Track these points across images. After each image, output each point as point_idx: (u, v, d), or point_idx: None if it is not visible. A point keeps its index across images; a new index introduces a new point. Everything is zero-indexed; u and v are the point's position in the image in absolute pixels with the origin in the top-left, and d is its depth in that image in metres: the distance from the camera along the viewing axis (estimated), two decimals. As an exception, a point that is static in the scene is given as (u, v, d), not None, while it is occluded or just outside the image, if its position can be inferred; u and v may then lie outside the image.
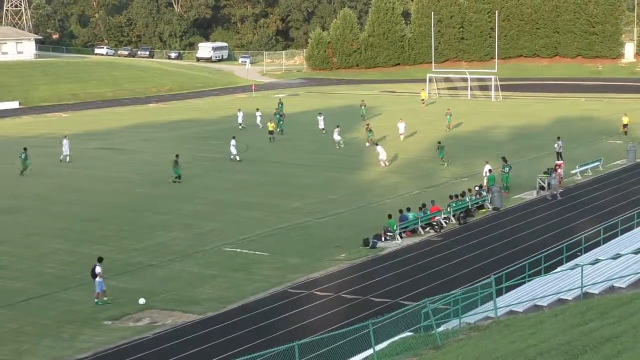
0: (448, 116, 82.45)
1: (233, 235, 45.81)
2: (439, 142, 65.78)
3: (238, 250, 43.07)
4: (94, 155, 73.14)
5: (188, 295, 36.28)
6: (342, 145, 72.04)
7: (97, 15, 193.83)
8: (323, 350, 26.17)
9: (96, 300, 34.83)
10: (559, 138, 63.90)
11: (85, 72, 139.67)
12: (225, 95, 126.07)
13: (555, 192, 52.66)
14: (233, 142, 67.16)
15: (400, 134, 75.42)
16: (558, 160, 60.69)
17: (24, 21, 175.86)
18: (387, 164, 63.69)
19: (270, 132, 77.54)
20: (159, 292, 36.28)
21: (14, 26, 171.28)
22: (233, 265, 40.49)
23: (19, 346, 30.68)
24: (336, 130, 73.44)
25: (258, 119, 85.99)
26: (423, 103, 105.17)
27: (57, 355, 29.75)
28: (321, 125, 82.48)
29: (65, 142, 69.59)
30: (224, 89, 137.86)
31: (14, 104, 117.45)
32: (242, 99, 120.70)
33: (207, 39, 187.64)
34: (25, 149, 65.08)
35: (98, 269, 35.11)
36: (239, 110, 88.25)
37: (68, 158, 68.97)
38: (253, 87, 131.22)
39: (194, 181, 60.09)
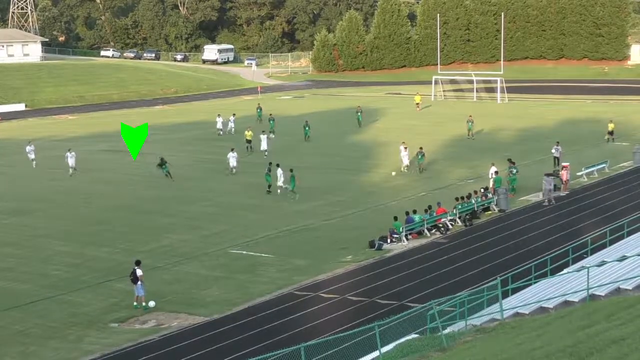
0: (470, 123, 78.64)
1: (239, 237, 45.82)
2: (420, 148, 64.21)
3: (244, 252, 43.09)
4: (99, 158, 73.22)
5: (194, 297, 36.30)
6: (233, 173, 62.92)
7: (103, 17, 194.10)
8: (329, 352, 26.17)
9: (135, 303, 34.70)
10: (557, 143, 63.50)
11: (92, 74, 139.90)
12: (231, 98, 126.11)
13: (551, 197, 52.33)
14: (233, 154, 63.19)
15: (404, 165, 62.85)
16: (555, 165, 60.35)
17: (30, 23, 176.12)
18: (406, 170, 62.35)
19: (248, 141, 72.31)
20: (165, 294, 36.29)
21: (20, 28, 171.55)
22: (239, 268, 40.50)
23: (25, 348, 30.71)
24: (231, 154, 63.40)
25: (231, 124, 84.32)
26: (418, 107, 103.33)
27: (63, 358, 29.79)
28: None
29: (29, 148, 69.16)
30: (230, 91, 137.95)
31: (20, 106, 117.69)
32: (248, 101, 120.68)
33: (213, 41, 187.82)
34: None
35: (139, 272, 34.97)
36: (218, 115, 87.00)
37: (34, 164, 68.43)
38: (259, 89, 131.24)
39: (200, 183, 60.14)
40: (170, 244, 44.71)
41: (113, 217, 50.60)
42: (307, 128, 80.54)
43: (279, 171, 55.38)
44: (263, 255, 42.47)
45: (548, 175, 54.76)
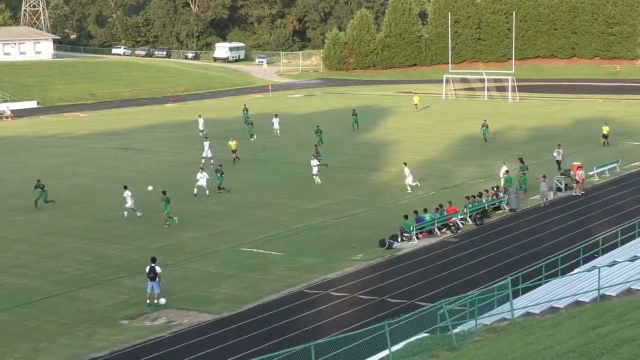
0: (484, 128, 75.68)
1: (249, 235, 45.85)
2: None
3: (254, 250, 43.11)
4: (110, 155, 73.36)
5: (204, 295, 36.33)
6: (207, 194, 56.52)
7: (114, 15, 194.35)
8: (339, 350, 26.13)
9: (148, 301, 34.72)
10: (559, 146, 62.89)
11: (103, 72, 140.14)
12: (242, 96, 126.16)
13: (545, 199, 52.09)
14: (202, 174, 56.34)
15: (408, 184, 56.52)
16: (559, 169, 59.97)
17: (42, 21, 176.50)
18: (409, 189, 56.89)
19: (233, 152, 67.65)
20: (176, 291, 36.32)
21: (32, 26, 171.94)
22: (249, 265, 40.52)
23: (37, 344, 30.81)
24: (200, 174, 56.83)
25: (200, 125, 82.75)
26: (416, 108, 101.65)
27: (73, 354, 29.85)
28: (275, 126, 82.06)
29: None
30: (240, 89, 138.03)
31: (32, 104, 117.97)
32: (259, 99, 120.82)
33: (224, 39, 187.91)
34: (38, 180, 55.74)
35: (159, 269, 34.96)
36: (200, 116, 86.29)
37: None
38: (270, 88, 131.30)
39: (210, 182, 60.11)
40: (180, 242, 44.76)
41: (123, 215, 50.62)
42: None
43: (127, 193, 49.98)
44: (273, 253, 42.49)
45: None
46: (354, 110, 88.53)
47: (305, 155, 64.65)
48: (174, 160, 68.87)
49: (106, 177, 62.97)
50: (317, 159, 60.20)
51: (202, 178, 55.73)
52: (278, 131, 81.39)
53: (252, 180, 60.61)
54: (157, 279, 34.73)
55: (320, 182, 58.15)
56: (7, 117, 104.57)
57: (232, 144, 68.00)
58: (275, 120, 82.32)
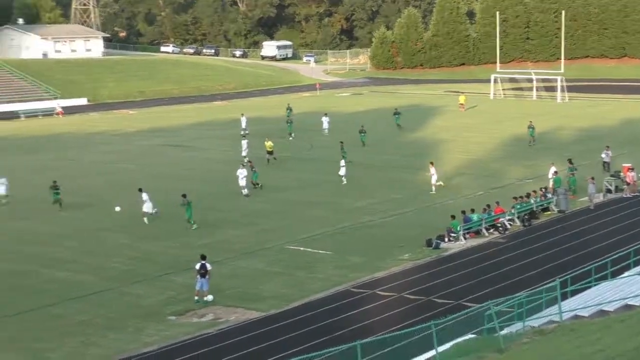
0: (530, 129, 74.39)
1: (296, 233, 45.95)
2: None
3: (301, 248, 43.21)
4: (158, 152, 73.91)
5: (251, 292, 36.49)
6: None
7: (163, 13, 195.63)
8: (385, 350, 26.13)
9: (197, 297, 34.87)
10: (607, 147, 62.12)
11: (152, 70, 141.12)
12: (290, 94, 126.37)
13: (593, 202, 51.53)
14: (241, 171, 55.95)
15: (433, 184, 56.29)
16: (605, 169, 59.36)
17: (92, 19, 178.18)
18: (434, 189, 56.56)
19: (269, 152, 66.60)
20: (223, 288, 36.50)
21: (83, 24, 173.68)
22: (296, 264, 40.63)
23: (87, 338, 31.14)
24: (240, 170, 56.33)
25: (243, 123, 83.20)
26: (462, 108, 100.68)
27: (122, 348, 30.13)
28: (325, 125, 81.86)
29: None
30: (288, 87, 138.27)
31: (83, 101, 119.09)
32: (307, 97, 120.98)
33: (272, 38, 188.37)
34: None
35: (209, 266, 35.19)
36: (242, 114, 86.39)
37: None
38: (317, 86, 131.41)
39: (260, 179, 60.35)
40: (228, 239, 44.99)
41: (170, 211, 50.97)
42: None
43: (144, 196, 49.30)
44: (320, 251, 42.55)
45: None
46: (395, 109, 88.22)
47: (353, 154, 64.73)
48: (219, 158, 69.21)
49: (153, 174, 63.39)
50: (343, 158, 60.08)
51: (241, 175, 55.62)
52: (327, 130, 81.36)
53: (298, 178, 60.72)
54: (207, 276, 34.94)
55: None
56: (57, 114, 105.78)
57: (268, 144, 67.10)
58: (325, 119, 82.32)
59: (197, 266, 35.07)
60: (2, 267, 40.19)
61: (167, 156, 72.11)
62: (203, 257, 35.42)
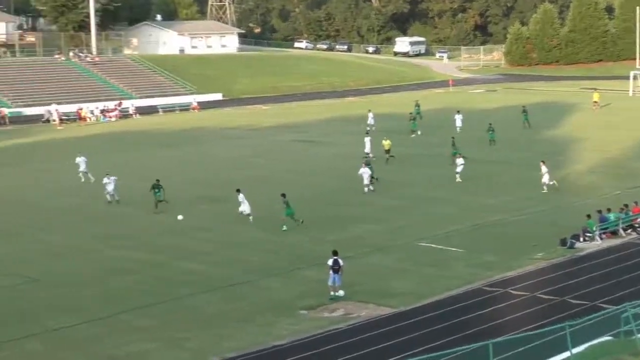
0: None
1: (427, 230, 45.81)
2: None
3: (432, 245, 43.06)
4: (289, 148, 74.69)
5: (382, 288, 36.55)
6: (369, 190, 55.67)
7: (297, 9, 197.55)
8: (517, 350, 25.85)
9: (332, 293, 35.05)
10: None
11: (285, 65, 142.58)
12: (422, 90, 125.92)
13: None
14: (364, 170, 55.22)
15: (544, 183, 54.96)
16: None
17: (228, 15, 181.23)
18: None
19: (387, 151, 65.63)
20: (354, 284, 36.63)
21: (218, 20, 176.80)
22: (427, 261, 40.52)
23: (220, 330, 31.72)
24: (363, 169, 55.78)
25: (370, 120, 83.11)
26: (595, 106, 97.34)
27: (256, 341, 30.58)
28: (458, 123, 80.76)
29: (80, 160, 60.30)
30: (420, 83, 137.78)
31: (217, 96, 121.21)
32: (439, 94, 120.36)
33: (405, 34, 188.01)
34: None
35: (341, 262, 35.40)
36: (369, 111, 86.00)
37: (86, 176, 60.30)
38: (450, 83, 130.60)
39: (388, 176, 60.40)
40: (359, 235, 45.16)
41: (301, 206, 51.45)
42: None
43: (240, 196, 48.39)
44: (452, 249, 42.33)
45: None
46: (523, 107, 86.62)
47: (482, 152, 64.15)
48: (350, 154, 69.35)
49: (286, 169, 64.10)
50: (460, 155, 59.38)
51: (365, 173, 55.06)
52: (460, 128, 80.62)
53: (430, 175, 60.46)
54: (339, 272, 35.11)
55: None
56: (193, 109, 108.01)
57: (386, 143, 66.04)
58: (458, 117, 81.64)
59: (330, 262, 35.22)
60: (145, 258, 41.29)
61: (298, 151, 72.81)
62: (335, 253, 35.57)
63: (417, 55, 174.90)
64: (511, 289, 36.00)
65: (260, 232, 45.83)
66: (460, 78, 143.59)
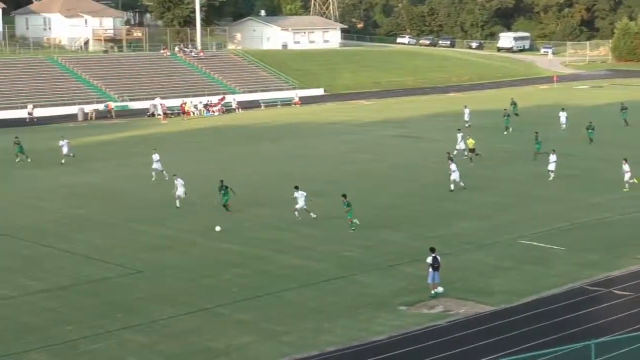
0: None
1: (529, 228, 45.22)
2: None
3: (534, 243, 42.46)
4: (391, 143, 74.55)
5: (482, 285, 36.21)
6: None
7: (400, 5, 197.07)
8: (621, 351, 25.26)
9: (433, 291, 34.84)
10: None
11: (387, 61, 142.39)
12: (525, 86, 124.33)
13: None
14: (452, 166, 54.45)
15: (626, 181, 53.80)
16: None
17: (331, 11, 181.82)
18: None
19: (471, 150, 64.00)
20: (453, 280, 36.39)
21: (322, 16, 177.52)
22: (528, 258, 39.98)
23: (319, 325, 31.83)
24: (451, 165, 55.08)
25: (466, 116, 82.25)
26: None
27: (353, 336, 30.61)
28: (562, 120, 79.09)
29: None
30: (524, 79, 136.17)
31: (319, 91, 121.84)
32: (543, 90, 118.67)
33: (509, 29, 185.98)
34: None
35: (439, 259, 35.45)
36: (465, 106, 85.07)
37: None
38: (555, 79, 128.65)
39: (490, 172, 59.89)
40: (459, 232, 44.83)
41: (403, 202, 51.43)
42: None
43: (299, 193, 47.63)
44: (554, 247, 41.67)
45: None
46: (622, 104, 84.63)
47: (594, 147, 62.90)
48: (451, 150, 68.79)
49: (388, 164, 64.01)
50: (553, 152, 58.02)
51: (455, 171, 54.30)
52: (564, 125, 79.17)
53: (531, 172, 59.60)
54: (439, 269, 34.84)
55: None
56: (295, 104, 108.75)
57: (470, 142, 64.62)
58: (562, 114, 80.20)
59: (429, 260, 34.91)
60: (247, 251, 41.66)
61: (399, 147, 72.64)
62: (433, 250, 35.30)
63: (521, 50, 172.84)
64: (615, 289, 35.28)
65: (359, 227, 45.77)
66: (565, 74, 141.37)
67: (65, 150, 66.70)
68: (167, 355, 29.06)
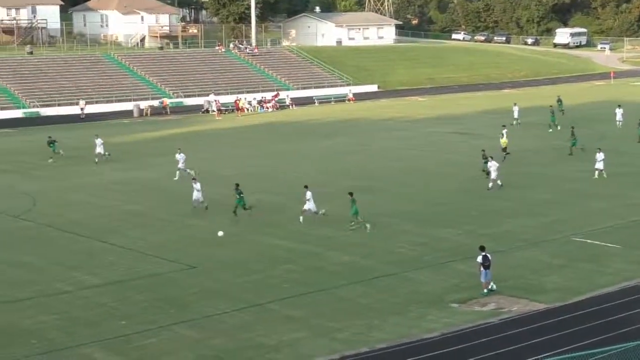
0: None
1: (582, 225, 44.76)
2: None
3: (587, 241, 42.02)
4: (445, 140, 74.24)
5: (534, 283, 35.92)
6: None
7: (455, 1, 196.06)
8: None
9: (485, 290, 34.60)
10: None
11: (442, 57, 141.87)
12: (581, 83, 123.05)
13: None
14: (492, 163, 53.83)
15: None
16: None
17: (386, 7, 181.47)
18: None
19: (503, 149, 63.11)
20: (506, 278, 36.16)
21: (376, 12, 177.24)
22: (582, 256, 39.57)
23: (370, 321, 31.79)
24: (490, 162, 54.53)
25: (515, 113, 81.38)
26: None
27: (404, 333, 30.53)
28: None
29: (179, 157, 59.48)
30: (580, 76, 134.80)
31: (373, 87, 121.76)
32: (599, 86, 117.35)
33: (565, 25, 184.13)
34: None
35: (490, 257, 35.17)
36: (515, 104, 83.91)
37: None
38: (612, 75, 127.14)
39: (542, 170, 59.41)
40: (511, 229, 44.50)
41: (455, 199, 51.18)
42: None
43: (308, 194, 46.21)
44: (608, 245, 41.19)
45: None
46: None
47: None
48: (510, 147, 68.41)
49: (440, 160, 63.77)
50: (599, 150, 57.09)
51: (493, 168, 53.62)
52: (620, 122, 78.12)
53: (583, 170, 58.87)
54: (488, 268, 34.57)
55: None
56: (349, 100, 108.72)
57: (502, 141, 63.97)
58: (618, 111, 79.16)
59: (480, 259, 34.62)
60: (298, 247, 41.74)
61: (453, 143, 72.28)
62: (482, 249, 35.02)
63: (578, 46, 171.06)
64: (671, 288, 34.82)
65: (411, 224, 45.70)
66: (622, 70, 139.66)
67: (98, 149, 65.81)
68: (219, 351, 29.22)
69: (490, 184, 53.33)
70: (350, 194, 45.27)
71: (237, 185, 47.72)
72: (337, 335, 30.46)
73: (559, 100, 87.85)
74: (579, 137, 64.71)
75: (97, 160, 65.38)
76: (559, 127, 76.05)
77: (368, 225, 44.41)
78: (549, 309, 32.89)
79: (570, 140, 63.93)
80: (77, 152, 68.69)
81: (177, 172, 58.41)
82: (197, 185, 48.85)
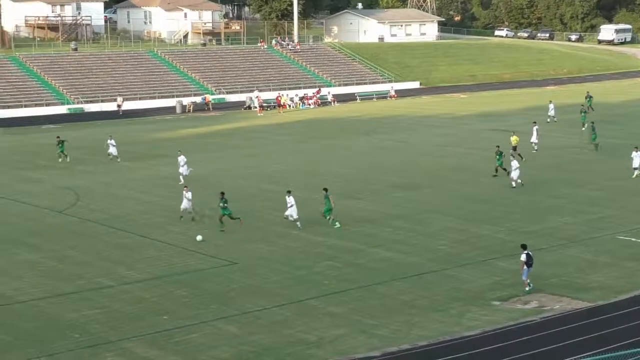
0: None
1: (628, 223, 44.37)
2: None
3: (633, 239, 41.63)
4: (486, 137, 73.78)
5: (578, 281, 35.65)
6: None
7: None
8: None
9: (527, 289, 34.30)
10: None
11: (484, 54, 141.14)
12: (626, 80, 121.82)
13: None
14: (513, 163, 53.26)
15: None
16: None
17: (428, 3, 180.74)
18: None
19: (513, 148, 60.90)
20: (548, 276, 35.94)
21: (419, 8, 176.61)
22: (627, 255, 39.20)
23: (411, 318, 31.72)
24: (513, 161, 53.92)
25: (550, 111, 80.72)
26: None
27: (446, 330, 30.43)
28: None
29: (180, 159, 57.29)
30: (624, 72, 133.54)
31: (415, 84, 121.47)
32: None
33: (610, 21, 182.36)
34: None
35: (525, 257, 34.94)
36: (550, 101, 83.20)
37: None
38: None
39: (589, 166, 58.95)
40: (555, 226, 44.19)
41: (498, 196, 50.91)
42: None
43: (290, 199, 44.61)
44: (654, 243, 40.84)
45: None
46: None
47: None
48: (550, 144, 67.81)
49: (482, 158, 63.40)
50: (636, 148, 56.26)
51: (514, 167, 52.99)
52: None
53: (625, 168, 58.14)
54: (530, 267, 34.27)
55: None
56: (391, 97, 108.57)
57: (513, 139, 62.73)
58: None
59: (523, 257, 34.32)
60: (339, 244, 41.71)
61: (495, 140, 71.63)
62: (524, 247, 34.73)
63: (623, 43, 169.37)
64: None
65: (452, 220, 45.54)
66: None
67: (111, 149, 65.15)
68: (260, 346, 29.28)
69: (514, 183, 52.89)
70: (325, 189, 44.86)
71: (223, 194, 45.17)
72: (378, 332, 30.42)
73: (589, 97, 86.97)
74: (599, 134, 65.34)
75: (110, 158, 64.99)
76: (583, 128, 74.64)
77: (337, 224, 44.24)
78: (591, 307, 32.62)
79: (591, 136, 64.02)
80: (124, 148, 68.85)
81: (181, 177, 56.71)
82: (189, 195, 46.55)
